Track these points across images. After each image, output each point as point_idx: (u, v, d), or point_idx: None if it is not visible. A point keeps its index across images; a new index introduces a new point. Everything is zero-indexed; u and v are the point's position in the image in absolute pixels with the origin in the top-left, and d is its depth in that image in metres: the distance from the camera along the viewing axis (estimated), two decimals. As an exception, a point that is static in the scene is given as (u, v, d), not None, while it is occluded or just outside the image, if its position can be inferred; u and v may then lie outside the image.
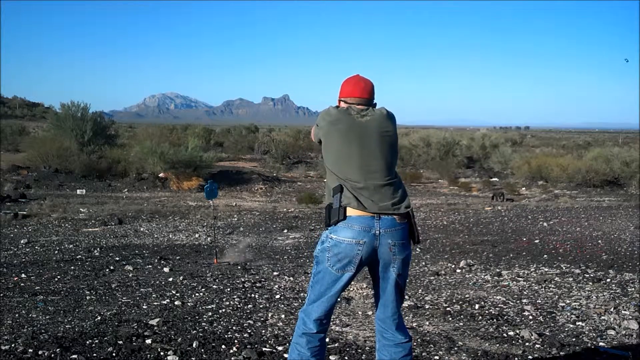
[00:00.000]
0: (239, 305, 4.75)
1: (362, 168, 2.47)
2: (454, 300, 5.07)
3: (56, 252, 7.66)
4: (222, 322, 4.22)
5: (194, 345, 3.61)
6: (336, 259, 2.47)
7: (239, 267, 6.63)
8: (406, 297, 5.13)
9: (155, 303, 4.77)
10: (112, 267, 6.50)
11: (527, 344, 3.85)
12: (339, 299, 5.03)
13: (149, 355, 3.42)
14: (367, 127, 2.52)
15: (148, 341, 3.67)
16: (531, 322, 4.41)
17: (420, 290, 5.57)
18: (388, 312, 2.59)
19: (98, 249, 7.82)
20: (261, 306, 4.76)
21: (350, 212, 2.45)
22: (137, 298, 4.97)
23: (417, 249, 8.16)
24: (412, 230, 2.54)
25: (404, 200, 2.51)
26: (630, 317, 4.49)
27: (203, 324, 4.16)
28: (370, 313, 4.55)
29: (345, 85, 2.65)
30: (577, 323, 4.38)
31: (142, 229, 10.11)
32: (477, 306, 4.86)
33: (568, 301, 5.05)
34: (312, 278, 2.60)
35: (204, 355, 3.46)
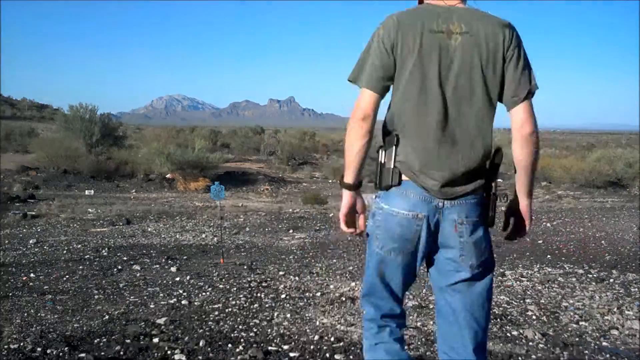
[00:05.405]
0: (245, 305, 4.80)
1: None
2: (458, 300, 5.08)
3: (64, 252, 7.74)
4: (228, 321, 4.27)
5: (201, 344, 3.66)
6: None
7: (245, 267, 6.68)
8: (410, 296, 5.11)
9: (163, 302, 4.83)
10: (119, 267, 6.57)
11: (530, 343, 3.88)
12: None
13: (156, 354, 3.47)
14: None
15: (155, 340, 3.73)
16: (535, 322, 4.44)
17: (424, 290, 5.60)
18: (459, 343, 1.95)
19: (106, 248, 7.89)
20: (267, 305, 4.81)
21: None
22: (145, 297, 5.03)
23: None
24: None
25: None
26: (633, 317, 4.50)
27: (210, 323, 4.21)
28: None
29: None
30: (581, 323, 4.40)
31: (149, 229, 10.18)
32: (480, 306, 4.88)
33: (571, 301, 5.07)
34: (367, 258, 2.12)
35: (211, 354, 3.51)
